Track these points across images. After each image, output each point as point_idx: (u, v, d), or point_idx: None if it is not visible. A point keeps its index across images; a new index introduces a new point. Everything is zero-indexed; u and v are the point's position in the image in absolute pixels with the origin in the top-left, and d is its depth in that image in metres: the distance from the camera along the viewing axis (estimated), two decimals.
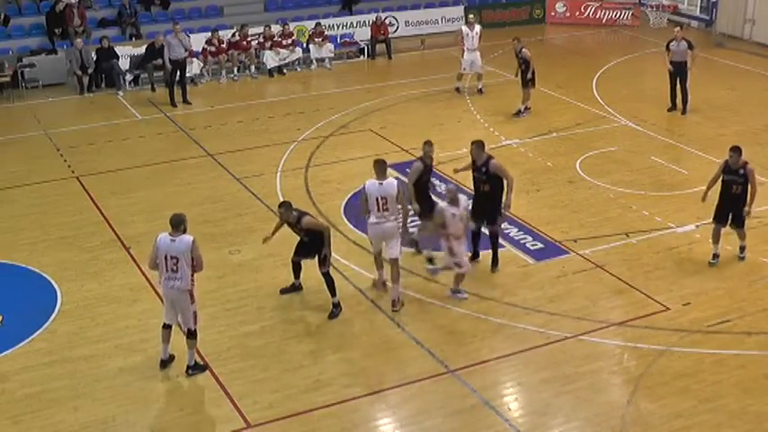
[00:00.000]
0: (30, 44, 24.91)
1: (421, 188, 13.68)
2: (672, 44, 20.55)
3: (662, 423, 10.26)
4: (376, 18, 27.02)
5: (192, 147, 19.42)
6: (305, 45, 25.95)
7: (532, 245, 14.38)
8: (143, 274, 13.50)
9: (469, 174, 13.85)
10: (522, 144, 19.01)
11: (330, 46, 25.94)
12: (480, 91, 22.59)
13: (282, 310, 12.73)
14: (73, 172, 18.05)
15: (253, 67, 25.10)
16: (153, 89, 23.62)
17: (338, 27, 27.34)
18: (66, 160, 18.72)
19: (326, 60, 25.90)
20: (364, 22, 27.51)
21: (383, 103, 22.17)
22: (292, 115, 21.49)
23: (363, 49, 26.86)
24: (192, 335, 11.08)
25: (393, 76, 25.27)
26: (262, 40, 25.08)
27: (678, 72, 20.60)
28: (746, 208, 13.50)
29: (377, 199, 12.47)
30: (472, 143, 13.54)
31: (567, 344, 11.83)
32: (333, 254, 12.64)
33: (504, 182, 13.36)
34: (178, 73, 22.31)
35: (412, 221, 13.70)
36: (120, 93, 23.46)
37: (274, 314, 12.64)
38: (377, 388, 10.96)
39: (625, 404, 10.60)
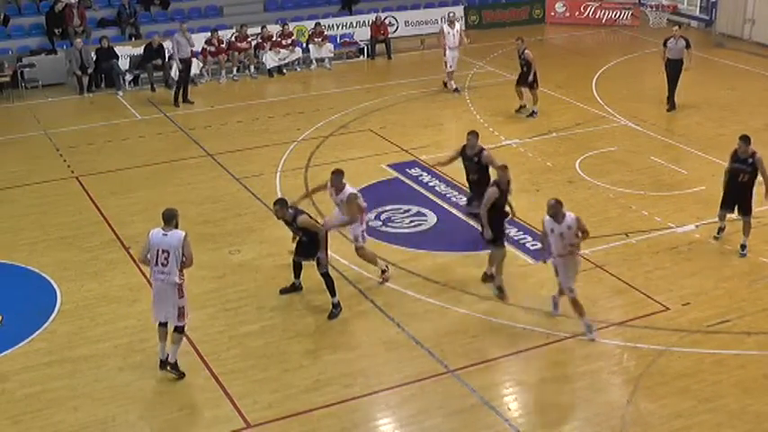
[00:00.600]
0: (29, 44, 24.88)
1: (496, 213, 12.85)
2: (669, 41, 20.58)
3: (662, 423, 10.25)
4: (376, 18, 27.02)
5: (191, 147, 19.41)
6: (305, 45, 25.94)
7: (532, 245, 14.36)
8: (143, 274, 13.47)
9: (454, 166, 15.03)
10: (522, 144, 19.00)
11: (330, 46, 25.93)
12: (457, 90, 22.70)
13: (282, 310, 12.73)
14: (72, 172, 18.04)
15: (252, 67, 25.10)
16: (152, 89, 23.61)
17: (338, 27, 27.31)
18: (65, 160, 18.71)
19: (326, 60, 25.88)
20: (364, 22, 27.49)
21: (383, 103, 22.16)
22: (292, 115, 21.48)
23: (363, 49, 26.84)
24: (178, 330, 11.02)
25: (393, 76, 25.27)
26: (260, 40, 25.08)
27: (674, 70, 20.64)
28: (766, 198, 13.42)
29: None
30: (469, 133, 14.66)
31: (566, 344, 11.82)
32: (333, 254, 12.61)
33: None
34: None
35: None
36: (120, 93, 23.44)
37: (274, 314, 12.63)
38: (377, 388, 10.95)
39: (625, 404, 10.59)
